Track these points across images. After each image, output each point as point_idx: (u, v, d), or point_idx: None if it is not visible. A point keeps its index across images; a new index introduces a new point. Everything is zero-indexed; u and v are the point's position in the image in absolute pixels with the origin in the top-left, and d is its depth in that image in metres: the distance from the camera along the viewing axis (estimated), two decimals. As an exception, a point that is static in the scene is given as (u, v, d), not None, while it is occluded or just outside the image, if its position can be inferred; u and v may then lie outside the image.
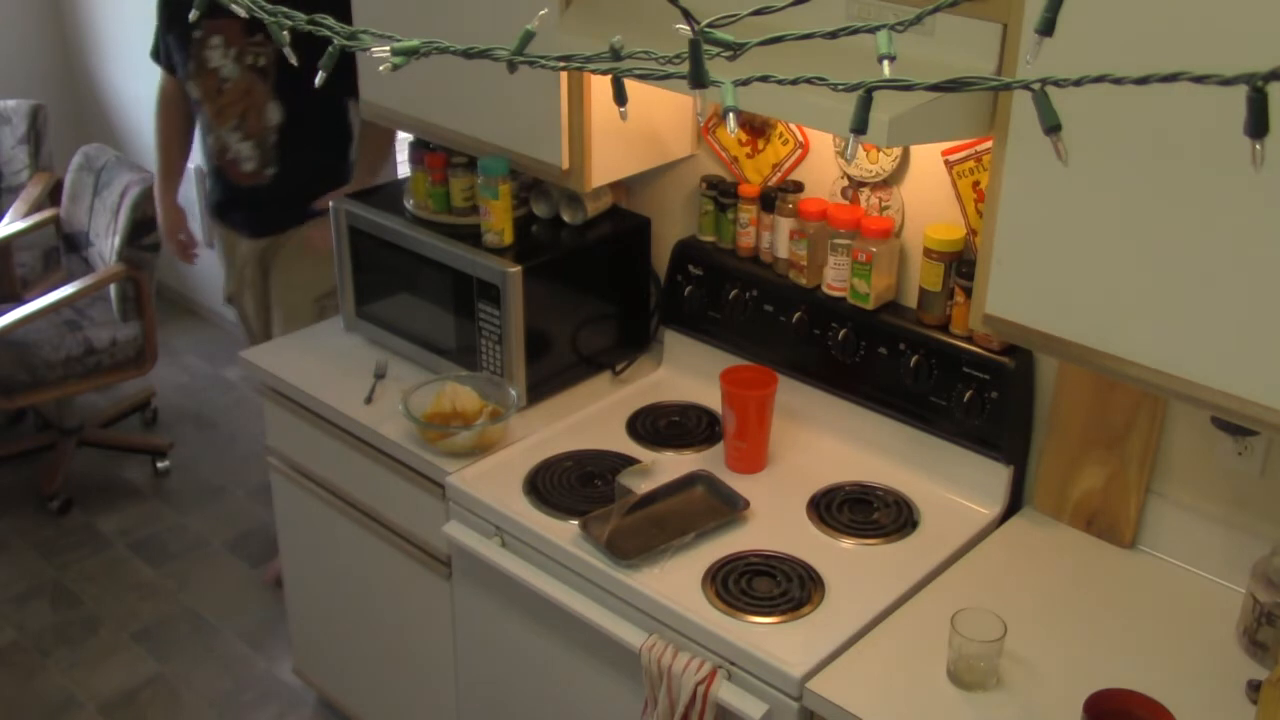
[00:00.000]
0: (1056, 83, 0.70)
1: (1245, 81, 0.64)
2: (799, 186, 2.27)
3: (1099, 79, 0.69)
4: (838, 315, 2.22)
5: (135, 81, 4.47)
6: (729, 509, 2.10)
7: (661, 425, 2.38)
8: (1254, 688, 1.72)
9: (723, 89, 0.73)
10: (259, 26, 2.87)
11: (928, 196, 2.14)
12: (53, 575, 3.52)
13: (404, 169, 3.11)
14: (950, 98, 1.58)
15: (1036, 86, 0.71)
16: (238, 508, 3.82)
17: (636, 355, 2.60)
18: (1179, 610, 1.91)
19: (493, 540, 2.17)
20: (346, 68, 2.93)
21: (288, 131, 3.02)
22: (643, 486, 2.12)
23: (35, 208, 3.97)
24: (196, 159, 3.67)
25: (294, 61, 0.90)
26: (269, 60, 2.95)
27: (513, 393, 2.35)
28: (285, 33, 0.87)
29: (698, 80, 0.72)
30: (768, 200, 2.29)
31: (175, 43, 3.03)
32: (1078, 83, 0.69)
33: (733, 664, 1.83)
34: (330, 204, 2.88)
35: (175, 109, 3.17)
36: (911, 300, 2.18)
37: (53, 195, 4.03)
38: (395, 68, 0.79)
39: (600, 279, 2.52)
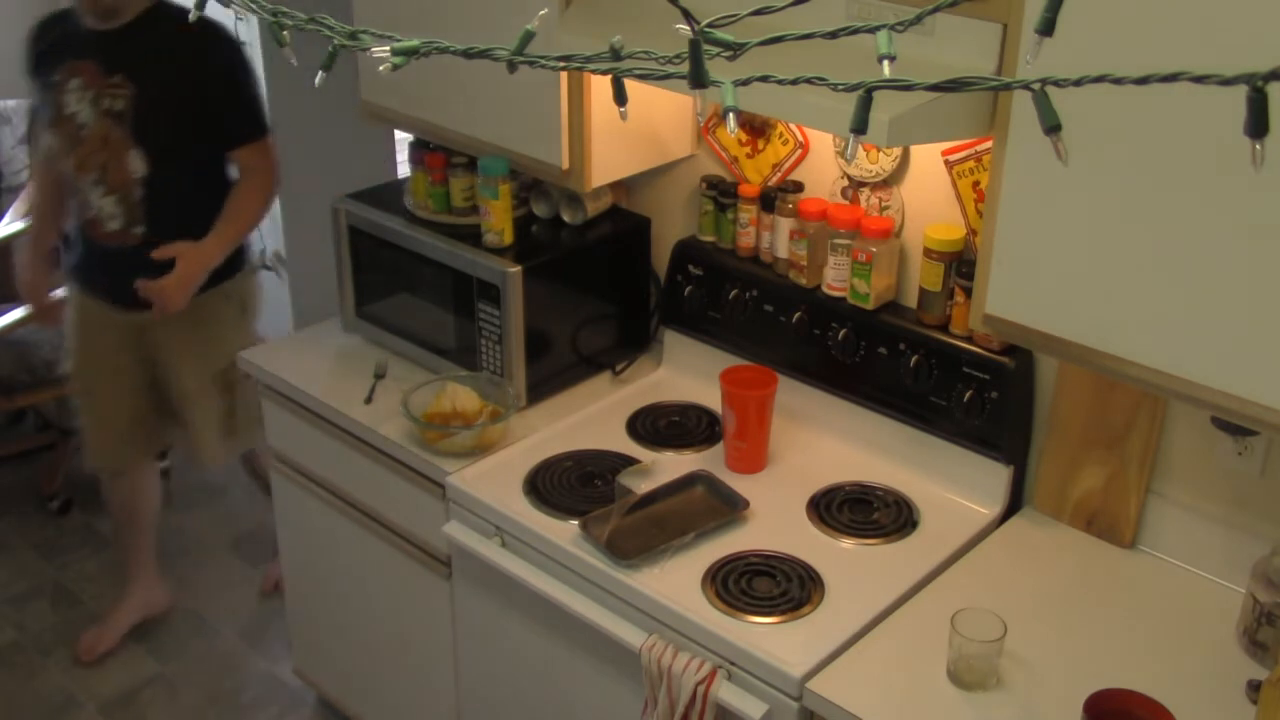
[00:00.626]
0: (1056, 83, 0.70)
1: (1245, 81, 0.64)
2: (799, 186, 2.26)
3: (1099, 79, 0.69)
4: (838, 315, 2.22)
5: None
6: (729, 509, 2.10)
7: (661, 425, 2.38)
8: (1254, 688, 1.72)
9: (723, 89, 0.73)
10: (118, 66, 2.65)
11: (928, 196, 2.14)
12: (53, 575, 3.52)
13: (404, 169, 3.09)
14: (950, 98, 1.58)
15: (1036, 86, 0.71)
16: (238, 508, 3.81)
17: (636, 355, 2.60)
18: (1179, 610, 1.91)
19: (493, 540, 2.17)
20: (219, 114, 2.67)
21: (154, 184, 2.71)
22: (643, 486, 2.12)
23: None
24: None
25: (293, 62, 0.90)
26: (126, 104, 2.65)
27: (513, 393, 2.35)
28: (285, 33, 0.87)
29: (698, 80, 0.72)
30: (768, 200, 2.29)
31: (39, 89, 2.77)
32: (1078, 83, 0.69)
33: (733, 664, 1.83)
34: (177, 255, 2.68)
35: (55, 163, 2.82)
36: (911, 300, 2.18)
37: (53, 195, 4.02)
38: (395, 68, 0.79)
39: (600, 279, 2.52)
